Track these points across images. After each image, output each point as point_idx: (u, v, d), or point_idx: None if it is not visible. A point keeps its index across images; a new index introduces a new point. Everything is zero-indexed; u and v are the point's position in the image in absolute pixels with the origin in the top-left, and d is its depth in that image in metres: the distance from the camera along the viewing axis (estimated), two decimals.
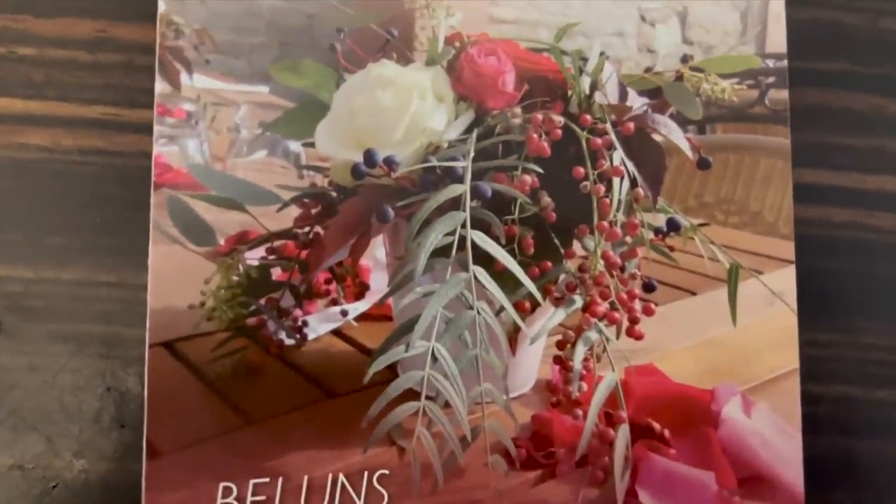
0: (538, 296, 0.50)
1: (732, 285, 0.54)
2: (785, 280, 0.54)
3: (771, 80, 0.57)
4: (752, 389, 0.53)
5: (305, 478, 0.50)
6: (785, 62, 0.57)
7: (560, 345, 0.51)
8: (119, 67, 0.56)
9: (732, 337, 0.54)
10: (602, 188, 0.51)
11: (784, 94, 0.57)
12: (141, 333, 0.51)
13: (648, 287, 0.53)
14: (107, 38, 0.56)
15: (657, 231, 0.53)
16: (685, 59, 0.55)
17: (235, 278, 0.52)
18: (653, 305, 0.52)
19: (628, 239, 0.52)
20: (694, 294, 0.55)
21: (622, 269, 0.52)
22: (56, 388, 0.53)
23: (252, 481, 0.49)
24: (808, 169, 0.57)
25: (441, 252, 0.49)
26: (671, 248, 0.53)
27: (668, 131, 0.53)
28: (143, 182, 0.53)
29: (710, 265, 0.53)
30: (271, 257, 0.52)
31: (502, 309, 0.49)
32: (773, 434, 0.52)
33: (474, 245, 0.48)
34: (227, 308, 0.51)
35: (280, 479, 0.50)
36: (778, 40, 0.57)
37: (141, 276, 0.52)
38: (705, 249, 0.54)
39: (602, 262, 0.51)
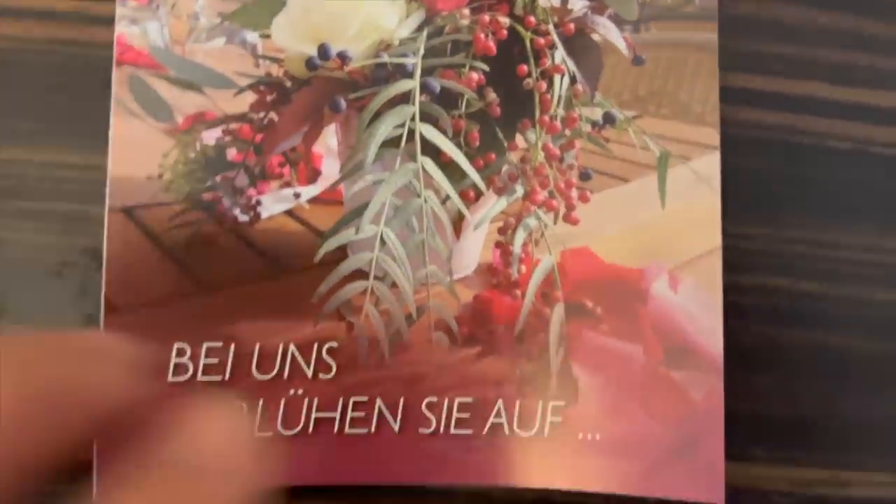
0: (482, 185, 0.52)
1: (662, 171, 0.56)
2: (710, 166, 0.57)
3: None
4: (678, 267, 0.56)
5: (257, 345, 0.52)
6: None
7: (501, 231, 0.54)
8: None
9: (661, 220, 0.57)
10: (544, 85, 0.53)
11: None
12: (104, 212, 0.53)
13: (585, 176, 0.55)
14: None
15: (594, 124, 0.55)
16: None
17: (192, 155, 0.54)
18: (588, 193, 0.55)
19: (567, 132, 0.54)
20: (626, 181, 0.57)
21: (561, 160, 0.55)
22: (21, 262, 0.56)
23: (205, 344, 0.52)
24: (740, 74, 0.59)
25: (391, 143, 0.51)
26: (606, 140, 0.56)
27: (606, 31, 0.56)
28: (106, 69, 0.55)
29: (642, 154, 0.56)
30: (227, 138, 0.54)
31: (448, 198, 0.52)
32: (697, 308, 0.55)
33: (423, 137, 0.51)
34: (184, 181, 0.53)
35: (232, 345, 0.52)
36: None
37: (106, 159, 0.54)
38: (638, 139, 0.56)
39: (542, 153, 0.54)
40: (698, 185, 0.57)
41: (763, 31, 0.61)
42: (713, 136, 0.58)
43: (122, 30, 0.55)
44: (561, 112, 0.54)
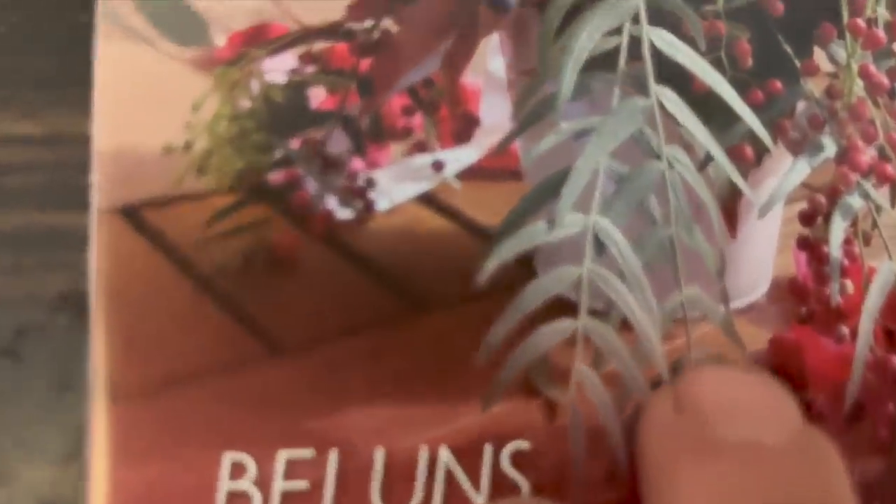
0: (766, 136, 0.34)
1: None
2: None
3: None
4: None
5: (380, 452, 0.32)
6: None
7: (806, 219, 0.35)
8: None
9: None
10: None
11: None
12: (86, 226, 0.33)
13: None
14: None
15: None
16: None
17: (247, 103, 0.34)
18: None
19: None
20: None
21: (893, 94, 0.36)
22: None
23: (283, 453, 0.31)
24: None
25: (602, 63, 0.33)
26: None
27: None
28: None
29: None
30: (309, 69, 0.35)
31: (710, 158, 0.34)
32: None
33: (657, 52, 0.33)
34: (232, 152, 0.33)
35: (333, 453, 0.31)
36: None
37: (86, 125, 0.33)
38: None
39: (861, 81, 0.35)
40: None
41: None
42: None
43: None
44: (884, 13, 0.36)
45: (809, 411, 0.34)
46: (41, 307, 0.36)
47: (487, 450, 0.32)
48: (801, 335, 0.35)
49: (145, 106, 0.34)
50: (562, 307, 0.31)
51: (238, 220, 0.34)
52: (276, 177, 0.35)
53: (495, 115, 0.38)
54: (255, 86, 0.35)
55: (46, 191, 0.37)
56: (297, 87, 0.35)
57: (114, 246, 0.33)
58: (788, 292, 0.37)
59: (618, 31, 0.33)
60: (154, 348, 0.32)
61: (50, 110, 0.37)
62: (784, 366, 0.35)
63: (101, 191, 0.33)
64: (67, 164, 0.36)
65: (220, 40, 0.35)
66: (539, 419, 0.32)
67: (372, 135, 0.36)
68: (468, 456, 0.31)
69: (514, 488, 0.31)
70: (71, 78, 0.35)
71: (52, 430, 0.35)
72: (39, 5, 0.38)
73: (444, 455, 0.31)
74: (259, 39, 0.35)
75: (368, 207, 0.35)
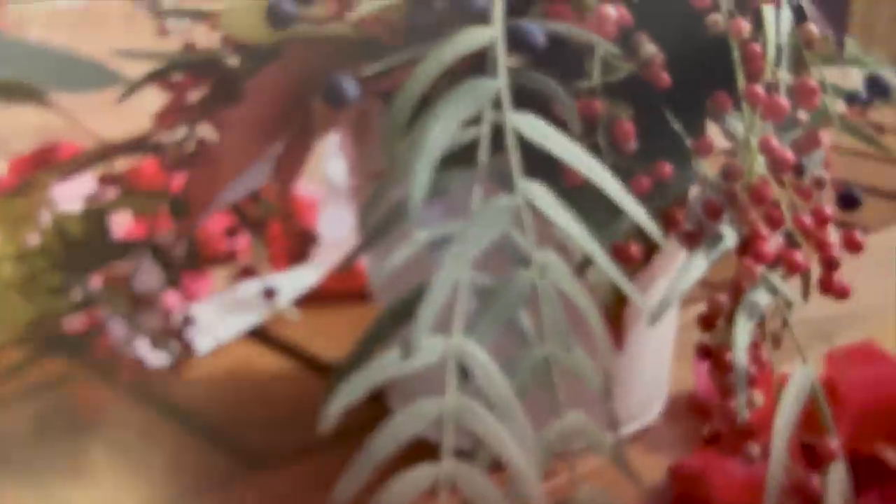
0: (654, 230, 0.30)
1: None
2: None
3: None
4: None
5: None
6: None
7: (705, 322, 0.32)
8: None
9: None
10: (746, 25, 0.33)
11: None
12: None
13: (849, 200, 0.34)
14: None
15: (851, 98, 0.36)
16: None
17: (36, 239, 0.31)
18: (859, 234, 0.32)
19: (803, 115, 0.34)
20: None
21: (799, 170, 0.33)
22: None
23: None
24: None
25: (459, 158, 0.30)
26: (879, 129, 0.36)
27: None
28: None
29: None
30: (110, 193, 0.31)
31: (588, 262, 0.32)
32: None
33: (521, 140, 0.30)
34: (20, 299, 0.30)
35: None
36: None
37: None
38: None
39: (762, 158, 0.32)
40: None
41: None
42: None
43: None
44: (785, 77, 0.33)
45: None
46: None
47: None
48: (705, 459, 0.33)
49: None
50: (423, 449, 0.28)
51: (32, 379, 0.31)
52: (74, 323, 0.32)
53: (337, 228, 0.35)
54: (45, 217, 0.32)
55: None
56: (96, 215, 0.33)
57: None
58: (688, 410, 0.36)
59: (477, 119, 0.29)
60: None
61: None
62: (686, 497, 0.32)
63: None
64: None
65: (2, 166, 0.32)
66: None
67: (188, 263, 0.33)
68: None
69: None
70: None
71: None
72: None
73: None
74: (48, 162, 0.32)
75: (187, 349, 0.33)
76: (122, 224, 0.32)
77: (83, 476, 0.28)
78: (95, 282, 0.31)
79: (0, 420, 0.28)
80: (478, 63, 0.31)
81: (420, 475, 0.26)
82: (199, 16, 0.33)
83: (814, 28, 0.34)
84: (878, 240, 0.34)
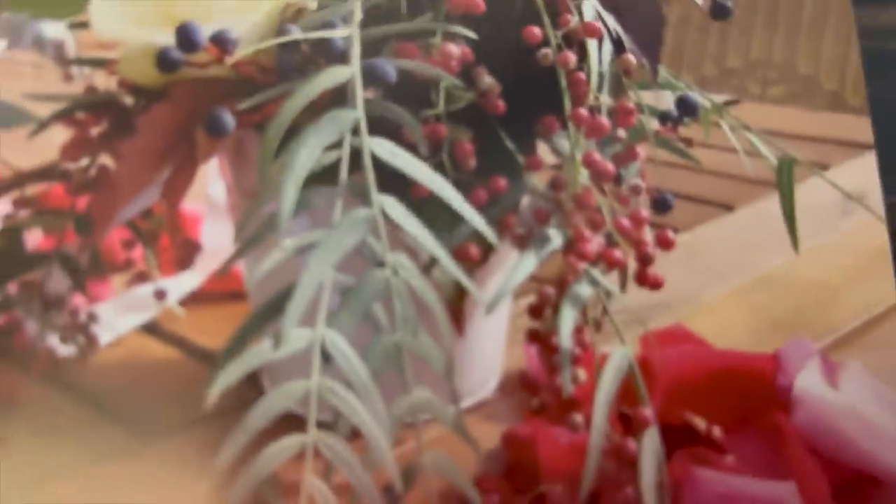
0: (490, 235, 0.33)
1: (786, 189, 0.38)
2: (863, 174, 0.39)
3: None
4: (834, 345, 0.38)
5: None
6: None
7: (535, 311, 0.36)
8: None
9: (796, 270, 0.39)
10: (572, 57, 0.36)
11: None
12: None
13: (661, 204, 0.37)
14: None
15: (663, 117, 0.38)
16: None
17: None
18: (671, 233, 0.36)
19: (621, 132, 0.36)
20: (730, 209, 0.39)
21: (618, 179, 0.36)
22: None
23: None
24: None
25: (322, 177, 0.32)
26: (688, 143, 0.39)
27: None
28: None
29: (750, 163, 0.39)
30: (24, 213, 0.35)
31: (434, 262, 0.34)
32: (874, 408, 0.36)
33: (376, 161, 0.32)
34: None
35: None
36: None
37: None
38: (738, 140, 0.39)
39: (586, 171, 0.35)
40: (848, 207, 0.40)
41: None
42: (863, 128, 0.40)
43: None
44: (606, 100, 0.36)
45: (544, 502, 0.34)
46: None
47: None
48: (534, 428, 0.36)
49: None
50: (292, 422, 0.30)
51: None
52: None
53: (217, 239, 0.38)
54: None
55: None
56: (12, 232, 0.35)
57: None
58: (520, 386, 0.39)
59: (338, 144, 0.32)
60: None
61: None
62: (518, 460, 0.36)
63: None
64: None
65: None
66: None
67: (92, 270, 0.36)
68: None
69: None
70: None
71: None
72: None
73: None
74: None
75: (91, 342, 0.36)
76: (34, 239, 0.34)
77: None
78: (12, 288, 0.34)
79: None
80: (339, 96, 0.33)
81: (289, 443, 0.30)
82: (99, 63, 0.36)
83: (631, 58, 0.37)
84: (686, 238, 0.37)
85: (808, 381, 0.36)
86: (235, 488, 0.29)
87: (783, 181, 0.38)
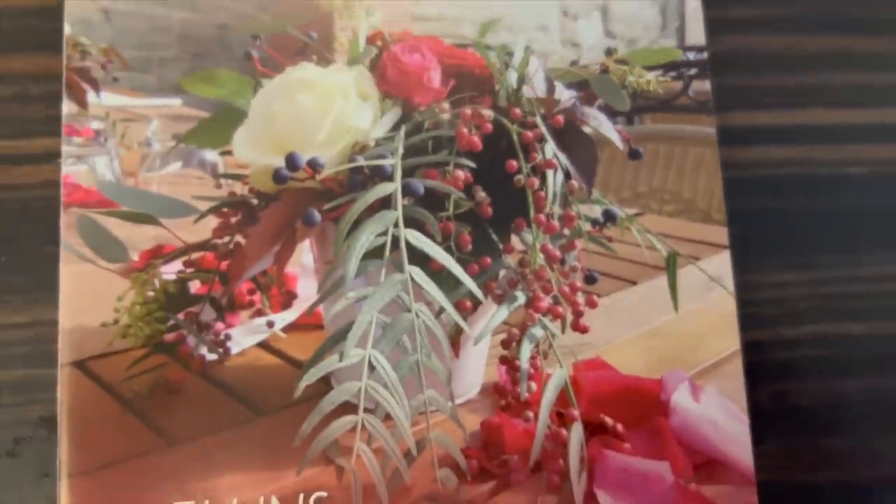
0: (479, 294, 0.39)
1: (672, 273, 0.44)
2: (722, 265, 0.45)
3: (693, 71, 0.48)
4: (698, 374, 0.44)
5: (235, 501, 0.38)
6: (705, 54, 0.48)
7: (505, 344, 0.41)
8: (11, 100, 0.43)
9: (676, 324, 0.45)
10: (536, 181, 0.41)
11: (706, 85, 0.48)
12: (56, 372, 0.39)
13: (590, 279, 0.43)
14: None
15: (594, 222, 0.43)
16: (609, 52, 0.46)
17: (151, 294, 0.41)
18: (595, 297, 0.42)
19: (566, 231, 0.42)
20: (635, 283, 0.47)
21: (562, 261, 0.42)
22: None
23: None
24: (739, 112, 0.48)
25: (373, 254, 0.38)
26: (609, 239, 0.44)
27: (598, 123, 0.44)
28: (50, 213, 0.41)
29: (649, 254, 0.45)
30: (189, 270, 0.41)
31: (442, 310, 0.39)
32: (722, 416, 0.43)
33: (409, 244, 0.38)
34: (142, 324, 0.40)
35: (207, 503, 0.38)
36: (697, 33, 0.48)
37: (55, 313, 0.40)
38: (642, 239, 0.45)
39: (542, 255, 0.41)
40: (711, 285, 0.45)
41: (752, 63, 0.50)
42: (721, 235, 0.45)
43: (68, 169, 0.42)
44: (557, 210, 0.42)
45: (507, 466, 0.40)
46: (29, 425, 0.41)
47: (301, 497, 0.38)
48: (502, 419, 0.42)
49: (89, 300, 0.41)
50: (348, 407, 0.36)
51: (147, 365, 0.41)
52: (170, 337, 0.41)
53: (307, 290, 0.44)
54: (156, 283, 0.42)
55: (29, 355, 0.41)
56: (182, 282, 0.42)
57: (71, 386, 0.40)
58: (493, 392, 0.44)
59: (385, 233, 0.38)
60: (96, 445, 0.39)
61: (32, 306, 0.42)
62: (491, 439, 0.41)
63: (63, 352, 0.40)
64: (43, 338, 0.41)
65: (135, 256, 0.42)
66: (333, 478, 0.39)
67: (228, 307, 0.43)
68: (289, 501, 0.39)
69: None
70: (45, 285, 0.41)
71: (37, 499, 0.40)
72: (19, 241, 0.43)
73: (274, 502, 0.39)
74: (158, 254, 0.42)
75: (227, 352, 0.42)
76: (195, 286, 0.41)
77: (173, 415, 0.40)
78: (181, 316, 0.40)
79: (131, 385, 0.38)
80: (386, 202, 0.39)
81: (346, 420, 0.36)
82: (237, 177, 0.42)
83: (575, 183, 0.41)
84: (605, 301, 0.43)
85: (680, 397, 0.42)
86: (312, 448, 0.36)
87: (670, 266, 0.44)
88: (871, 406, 0.46)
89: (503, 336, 0.41)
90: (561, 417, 0.41)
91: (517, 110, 0.42)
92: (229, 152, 0.41)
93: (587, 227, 0.43)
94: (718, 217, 0.45)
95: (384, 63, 0.43)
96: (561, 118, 0.43)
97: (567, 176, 0.42)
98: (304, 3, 0.46)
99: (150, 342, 0.40)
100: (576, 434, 0.40)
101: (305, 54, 0.44)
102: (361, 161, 0.40)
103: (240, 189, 0.42)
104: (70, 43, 0.44)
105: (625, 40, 0.48)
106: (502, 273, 0.41)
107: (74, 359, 0.40)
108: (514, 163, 0.41)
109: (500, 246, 0.41)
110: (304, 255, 0.43)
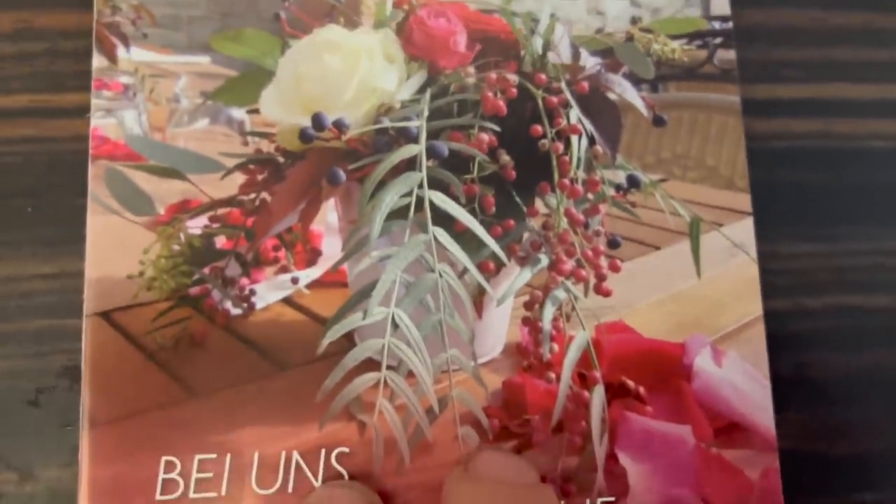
0: (502, 255, 0.39)
1: (695, 239, 0.44)
2: (745, 231, 0.44)
3: (718, 40, 0.47)
4: (720, 339, 0.43)
5: (256, 454, 0.38)
6: (730, 24, 0.47)
7: (528, 305, 0.40)
8: (43, 55, 0.44)
9: (698, 289, 0.44)
10: (560, 146, 0.41)
11: (731, 55, 0.47)
12: (81, 323, 0.39)
13: (613, 243, 0.42)
14: (27, 28, 0.44)
15: (618, 188, 0.43)
16: (634, 21, 0.46)
17: (177, 247, 0.40)
18: (618, 262, 0.41)
19: (590, 196, 0.42)
20: (658, 249, 0.45)
21: (586, 225, 0.41)
22: None
23: (197, 456, 0.38)
24: (762, 84, 0.48)
25: (398, 214, 0.38)
26: (633, 204, 0.43)
27: (623, 90, 0.43)
28: (79, 167, 0.41)
29: (672, 220, 0.44)
30: (215, 225, 0.41)
31: (465, 271, 0.39)
32: (744, 381, 0.42)
33: (433, 205, 0.38)
34: (168, 278, 0.40)
35: (228, 456, 0.38)
36: (721, 4, 0.48)
37: (81, 264, 0.40)
38: (666, 204, 0.44)
39: (565, 219, 0.41)
40: (734, 251, 0.44)
41: (775, 36, 0.49)
42: (745, 202, 0.45)
43: (97, 122, 0.42)
44: (581, 175, 0.41)
45: (528, 426, 0.40)
46: (52, 375, 0.41)
47: (322, 453, 0.38)
48: (524, 379, 0.41)
49: (115, 251, 0.41)
50: (371, 364, 0.36)
51: (172, 318, 0.41)
52: (195, 290, 0.41)
53: (331, 248, 0.43)
54: (182, 237, 0.41)
55: (55, 305, 0.42)
56: (207, 237, 0.42)
57: (96, 336, 0.40)
58: (516, 352, 0.42)
59: (409, 193, 0.38)
60: (118, 395, 0.39)
61: (59, 257, 0.42)
62: (512, 398, 0.41)
63: (88, 303, 0.40)
64: (69, 289, 0.42)
65: (161, 210, 0.42)
66: (355, 433, 0.39)
67: (253, 263, 0.42)
68: (310, 456, 0.38)
69: (338, 476, 0.38)
70: (72, 237, 0.41)
71: (59, 448, 0.41)
72: (48, 193, 0.43)
73: (296, 456, 0.39)
74: (185, 209, 0.42)
75: (251, 307, 0.42)
76: (220, 241, 0.40)
77: (196, 367, 0.39)
78: (206, 270, 0.39)
79: (156, 337, 0.38)
80: (411, 163, 0.39)
81: (369, 377, 0.36)
82: (264, 135, 0.42)
83: (599, 148, 0.41)
84: (628, 266, 0.42)
85: (703, 361, 0.42)
86: (335, 404, 0.36)
87: (693, 232, 0.44)
88: (893, 378, 0.44)
89: (526, 298, 0.40)
90: (583, 379, 0.40)
91: (542, 76, 0.42)
92: (256, 111, 0.41)
93: (611, 192, 0.42)
94: (742, 184, 0.44)
95: (410, 26, 0.43)
96: (586, 84, 0.42)
97: (591, 141, 0.42)
98: None
99: (174, 295, 0.40)
100: (598, 396, 0.40)
101: (333, 17, 0.44)
102: (387, 122, 0.40)
103: (266, 147, 0.42)
104: None
105: (650, 9, 0.47)
106: (526, 235, 0.41)
107: (100, 309, 0.40)
108: (538, 127, 0.41)
109: (524, 209, 0.41)
110: (329, 214, 0.43)
